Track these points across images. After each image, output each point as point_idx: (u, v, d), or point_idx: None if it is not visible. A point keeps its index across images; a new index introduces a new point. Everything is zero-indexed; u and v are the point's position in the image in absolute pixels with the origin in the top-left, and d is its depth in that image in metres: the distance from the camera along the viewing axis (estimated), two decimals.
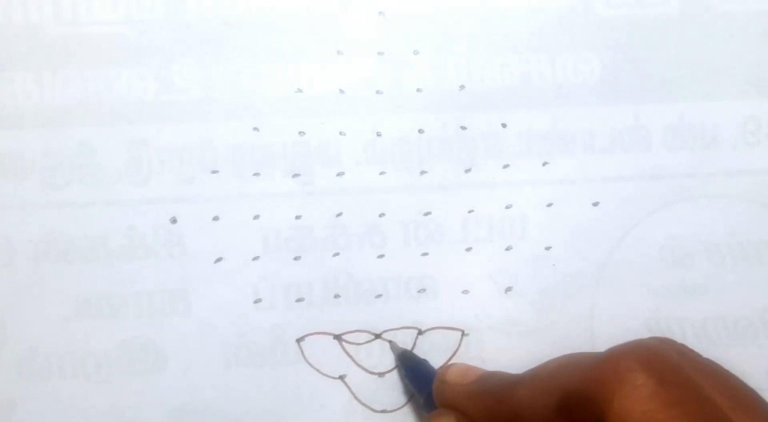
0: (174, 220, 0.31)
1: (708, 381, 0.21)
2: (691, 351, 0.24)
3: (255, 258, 0.31)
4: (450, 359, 0.31)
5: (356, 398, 0.31)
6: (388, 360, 0.32)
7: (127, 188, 0.31)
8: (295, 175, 0.31)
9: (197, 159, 0.31)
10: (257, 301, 0.31)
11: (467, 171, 0.32)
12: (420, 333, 0.32)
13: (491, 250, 0.32)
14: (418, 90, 0.32)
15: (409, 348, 0.32)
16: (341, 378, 0.31)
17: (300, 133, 0.32)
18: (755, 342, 0.32)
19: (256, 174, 0.31)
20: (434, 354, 0.32)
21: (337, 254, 0.32)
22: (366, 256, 0.32)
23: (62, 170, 0.31)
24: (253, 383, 0.31)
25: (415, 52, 0.32)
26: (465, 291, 0.32)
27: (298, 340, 0.31)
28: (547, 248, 0.32)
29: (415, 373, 0.31)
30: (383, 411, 0.31)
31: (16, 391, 0.30)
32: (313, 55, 0.32)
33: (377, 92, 0.32)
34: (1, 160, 0.30)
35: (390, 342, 0.31)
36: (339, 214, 0.32)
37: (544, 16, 0.32)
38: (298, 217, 0.31)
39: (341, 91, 0.32)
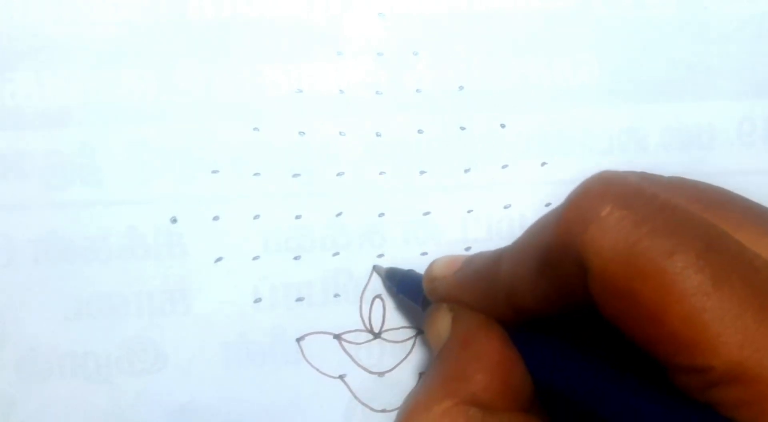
0: (174, 220, 0.31)
1: (674, 191, 0.21)
2: (653, 174, 0.23)
3: (255, 258, 0.31)
4: None
5: (356, 397, 0.31)
6: (389, 360, 0.32)
7: (127, 188, 0.31)
8: (295, 175, 0.32)
9: (197, 159, 0.31)
10: (257, 301, 0.31)
11: (466, 171, 0.32)
12: (419, 332, 0.32)
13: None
14: (418, 90, 0.32)
15: (408, 348, 0.32)
16: (341, 377, 0.31)
17: (300, 133, 0.32)
18: None
19: (256, 174, 0.31)
20: None
21: (337, 254, 0.32)
22: (366, 256, 0.32)
23: (62, 170, 0.31)
24: (253, 383, 0.31)
25: (415, 53, 0.32)
26: None
27: (298, 340, 0.31)
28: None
29: (405, 285, 0.30)
30: (383, 411, 0.32)
31: (16, 391, 0.30)
32: (313, 56, 0.32)
33: (377, 93, 0.32)
34: (2, 160, 0.30)
35: (374, 266, 0.32)
36: (339, 214, 0.32)
37: (542, 18, 0.32)
38: (298, 217, 0.32)
39: (341, 92, 0.32)
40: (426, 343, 0.32)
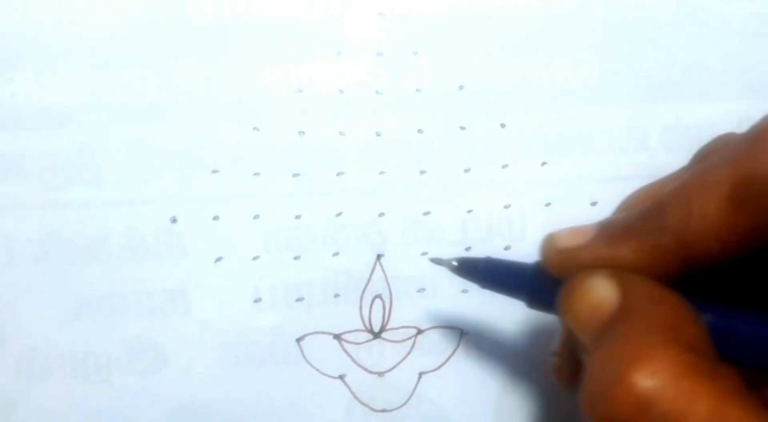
0: (174, 220, 0.31)
1: None
2: None
3: (255, 258, 0.31)
4: (449, 359, 0.32)
5: (356, 397, 0.31)
6: (389, 360, 0.32)
7: (127, 188, 0.31)
8: (295, 175, 0.32)
9: (197, 159, 0.31)
10: (257, 301, 0.31)
11: (466, 171, 0.32)
12: (419, 332, 0.32)
13: (490, 250, 0.32)
14: (418, 90, 0.32)
15: (408, 348, 0.32)
16: (341, 377, 0.31)
17: (300, 133, 0.32)
18: None
19: (256, 174, 0.31)
20: (433, 353, 0.32)
21: (337, 254, 0.32)
22: (366, 256, 0.32)
23: (62, 170, 0.31)
24: (253, 383, 0.31)
25: (415, 53, 0.32)
26: (464, 291, 0.32)
27: (298, 340, 0.31)
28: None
29: (497, 276, 0.26)
30: (383, 411, 0.31)
31: (16, 391, 0.30)
32: (313, 56, 0.32)
33: (377, 92, 0.32)
34: (2, 160, 0.30)
35: (431, 259, 0.28)
36: (339, 214, 0.32)
37: (542, 18, 0.32)
38: (298, 217, 0.31)
39: (341, 92, 0.32)
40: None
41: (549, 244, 0.24)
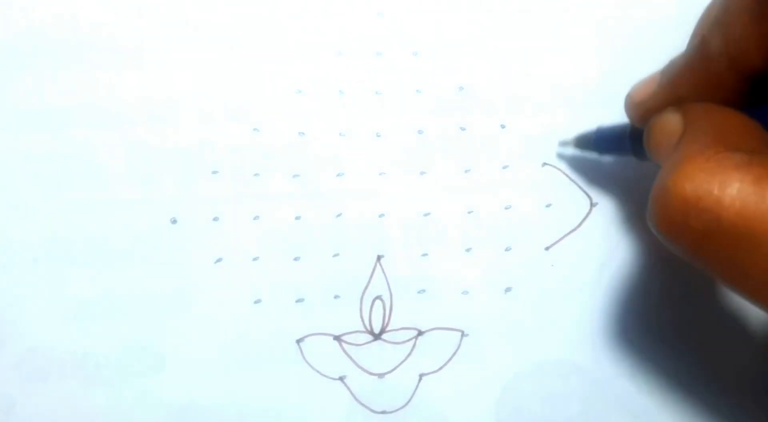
0: (174, 221, 0.31)
1: None
2: None
3: (255, 259, 0.31)
4: (449, 360, 0.31)
5: (356, 399, 0.31)
6: (389, 361, 0.32)
7: (127, 188, 0.31)
8: (295, 176, 0.32)
9: (197, 159, 0.31)
10: (257, 302, 0.31)
11: (467, 172, 0.32)
12: (420, 333, 0.32)
13: (491, 251, 0.32)
14: (418, 91, 0.32)
15: (409, 349, 0.32)
16: (341, 379, 0.31)
17: (300, 133, 0.32)
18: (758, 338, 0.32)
19: (256, 174, 0.31)
20: (434, 354, 0.32)
21: (337, 255, 0.32)
22: (366, 257, 0.32)
23: (62, 171, 0.31)
24: (253, 384, 0.31)
25: (415, 53, 0.32)
26: (465, 292, 0.32)
27: (298, 341, 0.31)
28: (547, 248, 0.32)
29: (603, 140, 0.30)
30: (383, 412, 0.31)
31: (16, 391, 0.30)
32: (313, 56, 0.32)
33: (377, 93, 0.32)
34: (1, 160, 0.31)
35: (559, 144, 0.32)
36: (339, 215, 0.32)
37: (543, 17, 0.32)
38: (298, 218, 0.32)
39: (341, 92, 0.32)
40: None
41: (628, 102, 0.27)
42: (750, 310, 0.32)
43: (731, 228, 0.19)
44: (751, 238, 0.19)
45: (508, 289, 0.32)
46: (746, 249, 0.19)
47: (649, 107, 0.26)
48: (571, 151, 0.31)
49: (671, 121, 0.24)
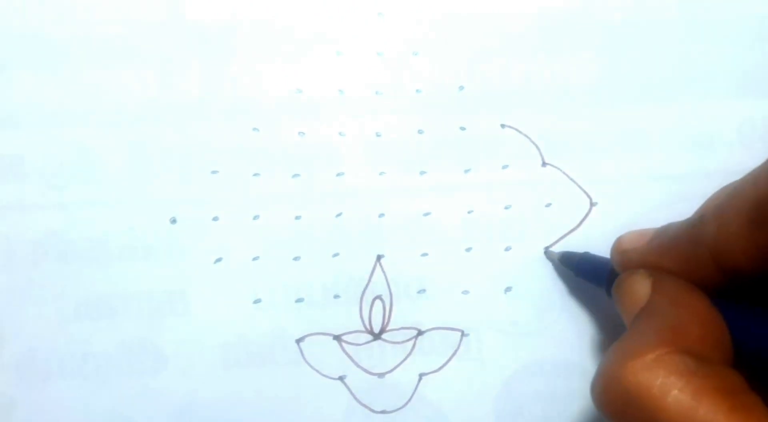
0: (173, 221, 0.31)
1: None
2: None
3: (255, 259, 0.31)
4: (449, 360, 0.32)
5: (356, 399, 0.31)
6: (389, 361, 0.32)
7: (127, 188, 0.31)
8: (295, 176, 0.32)
9: (197, 159, 0.31)
10: (257, 302, 0.31)
11: (467, 171, 0.32)
12: (420, 333, 0.32)
13: (491, 251, 0.32)
14: (418, 91, 0.32)
15: (409, 349, 0.32)
16: (341, 378, 0.31)
17: (300, 133, 0.32)
18: None
19: (256, 174, 0.31)
20: (434, 354, 0.32)
21: (337, 254, 0.32)
22: (366, 257, 0.32)
23: (62, 171, 0.31)
24: (253, 383, 0.31)
25: (415, 53, 0.32)
26: (465, 292, 0.32)
27: (298, 341, 0.31)
28: (546, 248, 0.32)
29: (585, 267, 0.31)
30: (383, 412, 0.31)
31: (16, 391, 0.30)
32: (313, 56, 0.32)
33: (377, 93, 0.32)
34: (1, 160, 0.30)
35: (545, 250, 0.32)
36: (339, 214, 0.32)
37: (543, 18, 0.32)
38: (297, 217, 0.31)
39: (341, 92, 0.32)
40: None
41: (615, 245, 0.28)
42: None
43: None
44: None
45: (508, 289, 0.32)
46: None
47: (631, 259, 0.27)
48: (555, 259, 0.32)
49: (640, 288, 0.25)
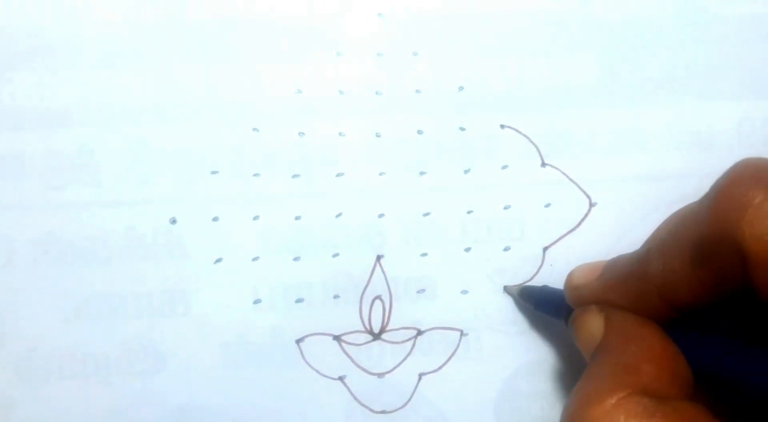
0: (174, 221, 0.31)
1: None
2: None
3: (255, 259, 0.31)
4: (449, 360, 0.32)
5: (356, 399, 0.31)
6: (389, 361, 0.32)
7: (127, 188, 0.31)
8: (295, 176, 0.32)
9: (197, 159, 0.31)
10: (257, 301, 0.31)
11: (466, 172, 0.32)
12: (419, 333, 0.32)
13: (490, 251, 0.32)
14: (418, 91, 0.32)
15: (408, 349, 0.32)
16: (341, 378, 0.31)
17: (300, 133, 0.32)
18: None
19: (255, 174, 0.31)
20: (433, 354, 0.32)
21: (336, 254, 0.32)
22: (366, 257, 0.32)
23: (62, 171, 0.31)
24: (253, 384, 0.31)
25: (415, 54, 0.32)
26: (464, 292, 0.32)
27: (298, 341, 0.31)
28: (546, 248, 0.32)
29: (543, 301, 0.31)
30: (383, 412, 0.31)
31: (16, 391, 0.30)
32: (313, 56, 0.32)
33: (376, 93, 0.32)
34: (1, 160, 0.30)
35: (504, 287, 0.32)
36: (339, 215, 0.32)
37: (542, 18, 0.32)
38: (297, 218, 0.32)
39: (341, 92, 0.32)
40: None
41: (568, 280, 0.28)
42: None
43: None
44: None
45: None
46: None
47: (583, 295, 0.27)
48: (515, 293, 0.32)
49: (593, 325, 0.26)
